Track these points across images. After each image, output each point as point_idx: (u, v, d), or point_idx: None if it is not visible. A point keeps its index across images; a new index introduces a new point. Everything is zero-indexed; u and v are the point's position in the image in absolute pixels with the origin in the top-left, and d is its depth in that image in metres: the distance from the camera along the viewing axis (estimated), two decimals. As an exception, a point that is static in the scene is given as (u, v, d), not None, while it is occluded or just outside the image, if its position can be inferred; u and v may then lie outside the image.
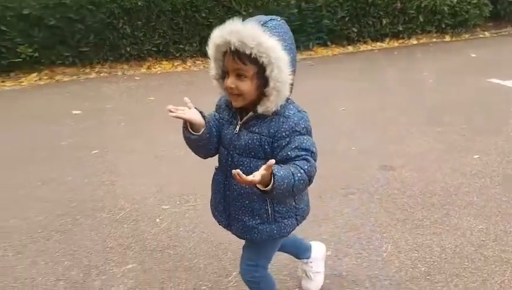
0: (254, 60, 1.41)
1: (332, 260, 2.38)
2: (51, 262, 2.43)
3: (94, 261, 2.42)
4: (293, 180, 1.39)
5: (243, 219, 1.61)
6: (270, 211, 1.59)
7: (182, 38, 7.23)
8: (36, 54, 6.59)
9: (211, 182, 1.71)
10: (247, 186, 1.51)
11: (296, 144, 1.46)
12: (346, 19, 8.04)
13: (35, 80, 6.56)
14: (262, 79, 1.44)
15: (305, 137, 1.49)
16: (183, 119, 1.52)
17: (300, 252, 2.11)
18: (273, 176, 1.35)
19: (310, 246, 2.13)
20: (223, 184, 1.63)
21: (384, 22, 8.29)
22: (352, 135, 4.08)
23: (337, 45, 8.21)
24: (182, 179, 3.32)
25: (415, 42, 8.53)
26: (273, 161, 1.33)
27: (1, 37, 6.31)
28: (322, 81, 6.14)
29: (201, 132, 1.54)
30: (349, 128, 4.28)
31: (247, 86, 1.45)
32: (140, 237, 2.63)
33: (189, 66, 7.25)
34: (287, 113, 1.49)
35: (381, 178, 3.25)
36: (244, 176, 1.31)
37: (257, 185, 1.37)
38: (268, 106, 1.46)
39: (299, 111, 1.52)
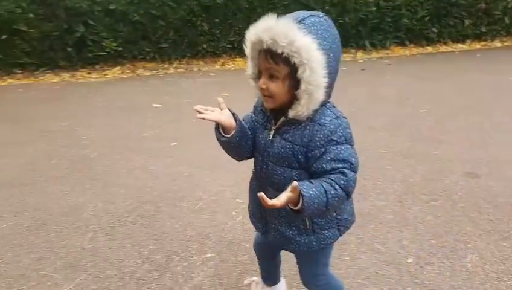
0: (286, 60, 1.29)
1: (413, 267, 2.30)
2: (137, 245, 2.55)
3: (176, 247, 2.51)
4: (325, 198, 1.29)
5: (280, 229, 1.54)
6: (308, 223, 1.49)
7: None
8: (120, 48, 6.94)
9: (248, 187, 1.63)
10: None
11: (332, 156, 1.34)
12: (426, 18, 7.76)
13: (118, 73, 6.92)
14: (295, 81, 1.32)
15: (343, 147, 1.35)
16: (210, 121, 1.41)
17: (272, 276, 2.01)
18: (302, 197, 1.26)
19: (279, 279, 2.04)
20: (258, 190, 1.47)
21: (466, 22, 7.91)
22: (433, 139, 3.93)
23: (416, 45, 7.95)
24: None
25: (498, 45, 8.07)
26: (295, 184, 1.24)
27: (88, 30, 6.70)
28: (400, 80, 5.96)
29: (230, 135, 1.44)
30: (430, 131, 4.13)
31: (277, 87, 1.35)
32: (217, 227, 2.69)
33: (262, 63, 7.33)
34: (322, 120, 1.36)
35: (465, 186, 3.10)
36: (267, 199, 1.23)
37: (288, 205, 1.29)
38: (299, 110, 1.34)
39: (336, 117, 1.38)
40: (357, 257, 2.39)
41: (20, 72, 6.78)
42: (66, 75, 6.78)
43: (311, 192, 1.27)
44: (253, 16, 7.02)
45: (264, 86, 1.36)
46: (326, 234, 1.53)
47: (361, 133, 4.08)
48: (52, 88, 6.20)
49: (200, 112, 1.41)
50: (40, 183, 3.38)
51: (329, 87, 1.35)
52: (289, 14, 1.33)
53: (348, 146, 1.37)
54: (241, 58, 7.43)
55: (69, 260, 2.46)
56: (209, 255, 2.43)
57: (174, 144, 4.02)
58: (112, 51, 6.90)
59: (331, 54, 1.31)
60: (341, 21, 7.36)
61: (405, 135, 4.03)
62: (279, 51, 1.27)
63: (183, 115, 4.78)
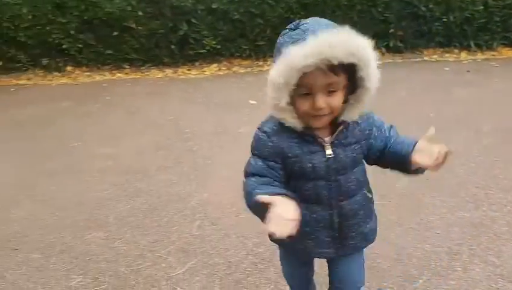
0: (346, 69, 1.26)
1: (532, 284, 2.15)
2: (241, 237, 2.65)
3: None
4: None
5: (361, 232, 1.53)
6: (371, 204, 1.58)
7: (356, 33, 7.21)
8: (218, 46, 7.18)
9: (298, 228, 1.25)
10: (358, 198, 1.48)
11: (379, 126, 1.47)
12: (541, 17, 7.13)
13: (216, 70, 7.17)
14: (350, 86, 1.33)
15: (375, 116, 1.49)
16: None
17: None
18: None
19: None
20: (328, 216, 1.45)
21: None
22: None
23: (527, 47, 7.34)
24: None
25: None
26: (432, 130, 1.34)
27: (191, 29, 7.01)
28: (509, 84, 5.55)
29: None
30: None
31: (338, 100, 1.31)
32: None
33: (359, 62, 7.20)
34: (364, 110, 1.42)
35: None
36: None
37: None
38: (354, 112, 1.37)
39: None
40: (470, 268, 2.29)
41: (128, 67, 7.28)
42: (169, 71, 7.16)
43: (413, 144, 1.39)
44: (351, 13, 6.93)
45: (324, 105, 1.29)
46: (374, 209, 1.63)
47: (470, 138, 3.87)
48: (156, 83, 6.59)
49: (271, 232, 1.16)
50: (150, 171, 3.62)
51: None
52: (318, 28, 1.25)
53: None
54: (336, 57, 7.36)
55: (180, 244, 2.62)
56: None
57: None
58: (211, 48, 7.15)
59: None
60: (445, 20, 7.00)
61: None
62: (351, 60, 1.23)
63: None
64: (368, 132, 1.44)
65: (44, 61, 7.19)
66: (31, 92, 6.39)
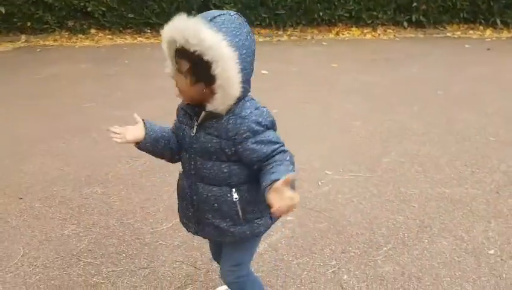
0: (186, 55, 1.33)
1: (494, 259, 2.23)
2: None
3: (260, 207, 2.72)
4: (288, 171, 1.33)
5: (213, 222, 1.54)
6: (240, 213, 1.51)
7: (377, 5, 7.10)
8: (238, 14, 7.21)
9: (176, 188, 1.65)
10: (214, 189, 1.48)
11: (265, 141, 1.39)
12: None
13: (235, 38, 7.23)
14: (203, 76, 1.35)
15: (269, 132, 1.40)
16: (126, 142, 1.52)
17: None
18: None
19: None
20: (188, 189, 1.55)
21: None
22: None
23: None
24: (350, 148, 3.41)
25: None
26: (280, 182, 1.25)
27: (211, -4, 7.07)
28: (528, 65, 5.42)
29: (140, 144, 1.56)
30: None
31: (180, 83, 1.41)
32: (302, 195, 2.82)
33: (379, 35, 7.12)
34: (243, 113, 1.39)
35: None
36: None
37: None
38: (215, 104, 1.38)
39: (256, 108, 1.40)
40: (437, 241, 2.38)
41: (149, 31, 7.42)
42: (188, 37, 7.27)
43: (279, 176, 1.30)
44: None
45: (175, 82, 1.44)
46: (259, 223, 1.55)
47: (471, 117, 3.87)
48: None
49: (114, 134, 1.51)
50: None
51: (245, 82, 1.37)
52: (200, 14, 1.34)
53: (273, 132, 1.43)
54: (357, 28, 7.29)
55: (170, 204, 2.79)
56: (289, 218, 2.59)
57: (275, 111, 4.18)
58: (231, 16, 7.20)
59: (244, 51, 1.33)
60: (471, -6, 6.83)
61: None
62: (192, 49, 1.30)
63: (289, 83, 4.92)
64: (231, 134, 1.40)
65: (70, 23, 7.41)
66: (55, 53, 6.64)
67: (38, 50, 6.89)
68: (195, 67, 1.35)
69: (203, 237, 1.70)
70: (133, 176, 3.14)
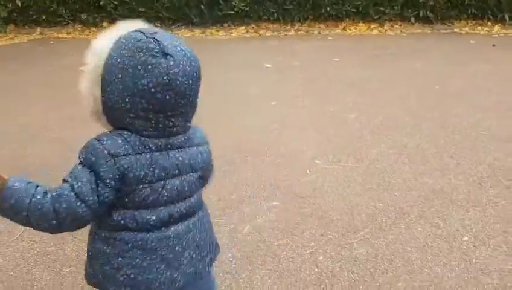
0: None
1: (467, 245, 2.32)
2: (217, 185, 2.90)
3: (249, 192, 2.84)
4: (28, 199, 1.13)
5: None
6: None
7: (384, 0, 7.14)
8: (247, 9, 7.33)
9: None
10: None
11: (71, 169, 1.21)
12: None
13: (243, 33, 7.36)
14: None
15: (79, 165, 1.20)
16: None
17: None
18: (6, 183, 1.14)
19: None
20: None
21: None
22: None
23: None
24: (342, 140, 3.51)
25: None
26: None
27: (220, -10, 7.20)
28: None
29: None
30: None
31: None
32: (289, 182, 2.95)
33: (386, 30, 7.16)
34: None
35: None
36: None
37: None
38: None
39: (100, 137, 1.21)
40: (413, 227, 2.48)
41: (159, 25, 7.58)
42: (197, 31, 7.42)
43: (16, 184, 1.14)
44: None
45: None
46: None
47: (465, 112, 3.93)
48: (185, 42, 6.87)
49: None
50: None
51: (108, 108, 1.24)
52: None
53: (84, 168, 1.18)
54: (364, 24, 7.34)
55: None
56: (275, 203, 2.72)
57: (274, 103, 4.31)
58: (240, 10, 7.32)
59: (120, 75, 1.17)
60: (479, -11, 6.82)
61: (514, 118, 3.78)
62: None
63: (290, 76, 5.02)
64: None
65: (83, 17, 7.63)
66: (68, 45, 6.85)
67: (51, 42, 7.12)
68: None
69: None
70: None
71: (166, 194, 1.23)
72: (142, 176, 1.19)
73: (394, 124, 3.75)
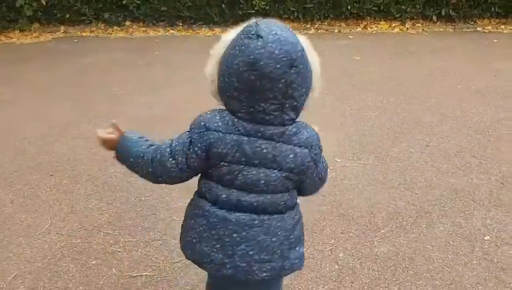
0: None
1: (488, 245, 2.32)
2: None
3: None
4: (135, 148, 1.36)
5: None
6: None
7: (406, -1, 7.07)
8: (267, 7, 7.34)
9: None
10: None
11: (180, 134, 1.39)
12: None
13: (263, 31, 7.36)
14: None
15: (186, 131, 1.36)
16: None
17: None
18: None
19: None
20: None
21: None
22: None
23: None
24: (363, 138, 3.50)
25: None
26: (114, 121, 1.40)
27: (242, -11, 7.22)
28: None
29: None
30: None
31: None
32: (310, 179, 2.96)
33: (407, 29, 7.08)
34: None
35: None
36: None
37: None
38: None
39: (208, 112, 1.35)
40: (435, 226, 2.48)
41: (181, 24, 7.66)
42: (218, 30, 7.44)
43: (130, 135, 1.40)
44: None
45: None
46: None
47: (487, 111, 3.89)
48: (204, 41, 6.92)
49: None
50: (178, 121, 3.99)
51: (221, 93, 1.31)
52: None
53: (186, 132, 1.36)
54: (385, 22, 7.28)
55: (186, 183, 2.99)
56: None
57: (294, 100, 4.32)
58: (260, 9, 7.33)
59: (224, 61, 1.28)
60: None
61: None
62: None
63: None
64: None
65: (106, 16, 7.74)
66: (91, 44, 6.97)
67: (75, 41, 7.24)
68: None
69: None
70: (154, 158, 3.36)
71: (241, 179, 1.29)
72: (223, 154, 1.26)
73: (416, 122, 3.73)
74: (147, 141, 1.39)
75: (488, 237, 2.36)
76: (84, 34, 7.56)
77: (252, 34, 1.20)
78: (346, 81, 4.79)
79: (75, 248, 2.44)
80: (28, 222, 2.68)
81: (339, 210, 2.62)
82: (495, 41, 6.18)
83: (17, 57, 6.44)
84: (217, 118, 1.28)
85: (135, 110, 4.28)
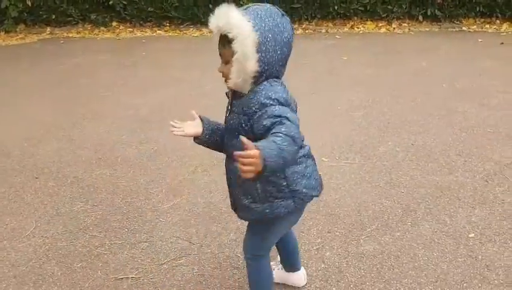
0: (230, 42, 1.45)
1: (473, 242, 2.34)
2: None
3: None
4: (275, 146, 1.34)
5: (242, 200, 1.67)
6: (259, 191, 1.60)
7: (392, -1, 7.12)
8: (254, 7, 7.34)
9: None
10: (236, 165, 1.43)
11: (268, 114, 1.44)
12: None
13: (250, 31, 7.36)
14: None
15: (276, 107, 1.45)
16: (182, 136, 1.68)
17: (289, 264, 2.06)
18: (257, 148, 1.32)
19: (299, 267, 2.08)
20: (227, 169, 1.71)
21: None
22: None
23: None
24: (349, 138, 3.52)
25: None
26: (242, 138, 1.34)
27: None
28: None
29: (200, 138, 1.69)
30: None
31: (227, 69, 1.52)
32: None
33: (394, 29, 7.14)
34: (257, 89, 1.50)
35: None
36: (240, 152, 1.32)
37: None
38: (233, 78, 1.50)
39: (271, 85, 1.50)
40: (420, 224, 2.49)
41: (168, 25, 7.63)
42: (205, 31, 7.43)
43: (260, 144, 1.34)
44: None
45: (220, 71, 1.56)
46: (280, 203, 1.62)
47: (472, 109, 3.93)
48: (191, 41, 6.91)
49: (174, 127, 1.68)
50: (165, 122, 3.98)
51: (267, 64, 1.48)
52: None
53: (282, 106, 1.46)
54: (372, 22, 7.33)
55: (173, 185, 2.99)
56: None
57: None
58: (247, 9, 7.34)
59: (270, 35, 1.46)
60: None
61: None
62: (221, 31, 1.47)
63: (297, 75, 5.02)
64: (246, 109, 1.51)
65: (92, 16, 7.69)
66: (78, 45, 6.92)
67: (61, 42, 7.19)
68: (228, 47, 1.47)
69: (238, 216, 1.79)
70: (141, 159, 3.34)
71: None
72: (294, 108, 1.58)
73: (401, 122, 3.76)
74: (272, 135, 1.40)
75: (472, 235, 2.39)
76: (70, 35, 7.51)
77: (282, 13, 1.53)
78: (333, 80, 4.82)
79: (60, 251, 2.42)
80: (12, 225, 2.65)
81: (326, 209, 2.63)
82: (480, 40, 6.25)
83: (3, 59, 6.38)
84: (280, 86, 1.53)
85: (122, 112, 4.26)
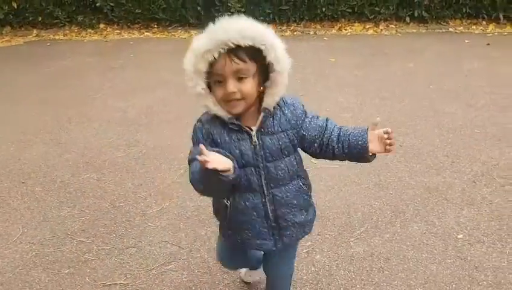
0: (253, 56, 1.34)
1: (462, 243, 2.35)
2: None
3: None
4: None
5: (294, 221, 1.56)
6: (307, 197, 1.60)
7: (379, 0, 7.16)
8: (243, 10, 7.33)
9: (227, 221, 1.58)
10: (290, 186, 1.51)
11: (312, 114, 1.54)
12: None
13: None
14: (263, 74, 1.40)
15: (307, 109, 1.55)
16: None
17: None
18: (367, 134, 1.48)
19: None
20: (262, 204, 1.50)
21: None
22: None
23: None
24: (339, 139, 3.52)
25: None
26: (378, 119, 1.50)
27: (216, -9, 7.19)
28: (525, 60, 5.44)
29: (229, 175, 1.33)
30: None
31: (249, 86, 1.37)
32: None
33: (381, 30, 7.18)
34: (288, 101, 1.50)
35: (553, 175, 2.93)
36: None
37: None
38: (269, 102, 1.42)
39: (287, 96, 1.50)
40: (409, 225, 2.50)
41: (156, 26, 7.59)
42: (194, 32, 7.40)
43: (360, 129, 1.55)
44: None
45: (235, 90, 1.36)
46: (314, 203, 1.67)
47: (460, 110, 3.96)
48: (180, 43, 6.87)
49: (204, 160, 1.25)
50: (152, 125, 3.97)
51: None
52: (224, 19, 1.38)
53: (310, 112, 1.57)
54: (359, 24, 7.36)
55: (161, 189, 2.97)
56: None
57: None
58: (236, 11, 7.32)
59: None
60: (473, -11, 6.84)
61: (508, 117, 3.80)
62: (251, 43, 1.32)
63: (288, 77, 5.03)
64: (294, 122, 1.48)
65: (79, 18, 7.62)
66: (65, 47, 6.85)
67: (48, 44, 7.11)
68: (262, 67, 1.38)
69: (282, 246, 1.61)
70: (129, 163, 3.31)
71: None
72: None
73: (389, 123, 3.77)
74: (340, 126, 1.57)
75: (461, 235, 2.40)
76: (57, 38, 7.44)
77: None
78: (321, 82, 4.83)
79: (47, 257, 2.39)
80: (-2, 232, 2.61)
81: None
82: (466, 41, 6.30)
83: (-13, 62, 6.30)
84: None
85: (109, 114, 4.22)
